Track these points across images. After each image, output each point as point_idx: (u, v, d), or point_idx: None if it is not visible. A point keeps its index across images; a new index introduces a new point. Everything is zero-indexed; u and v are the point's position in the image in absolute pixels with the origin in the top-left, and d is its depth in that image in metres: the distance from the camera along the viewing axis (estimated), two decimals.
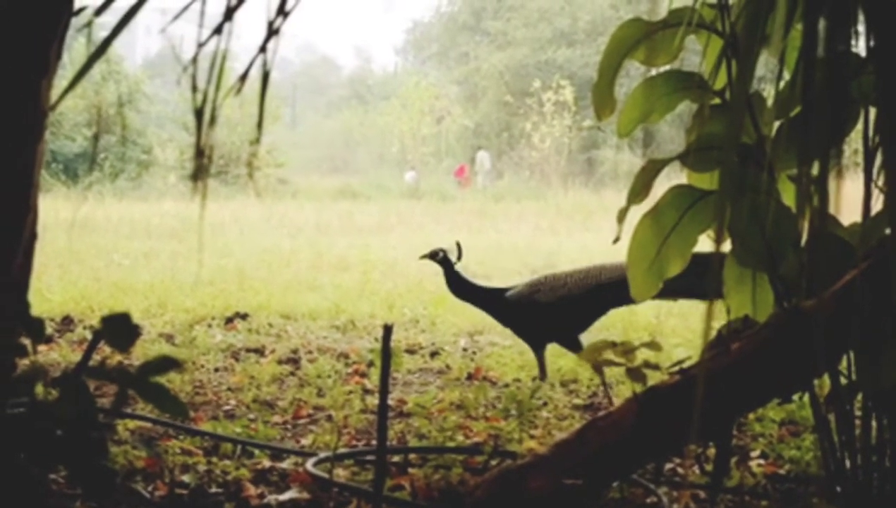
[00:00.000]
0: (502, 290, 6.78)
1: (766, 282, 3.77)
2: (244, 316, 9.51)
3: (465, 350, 8.43)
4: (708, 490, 4.18)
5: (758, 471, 4.62)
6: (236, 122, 33.25)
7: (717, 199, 3.73)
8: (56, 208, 19.68)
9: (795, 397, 3.80)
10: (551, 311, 6.61)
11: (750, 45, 2.06)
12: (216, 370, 7.28)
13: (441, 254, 6.67)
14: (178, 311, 9.81)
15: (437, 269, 7.22)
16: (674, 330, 8.65)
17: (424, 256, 6.78)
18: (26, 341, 2.46)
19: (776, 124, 3.73)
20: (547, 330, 6.72)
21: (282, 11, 2.26)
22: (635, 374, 3.63)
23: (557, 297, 6.61)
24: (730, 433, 3.98)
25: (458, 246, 6.67)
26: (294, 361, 7.71)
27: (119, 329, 2.36)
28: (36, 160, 2.73)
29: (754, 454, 4.95)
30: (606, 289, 6.65)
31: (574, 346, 6.79)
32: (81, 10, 2.70)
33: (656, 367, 3.71)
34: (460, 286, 6.76)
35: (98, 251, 15.23)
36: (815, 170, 2.03)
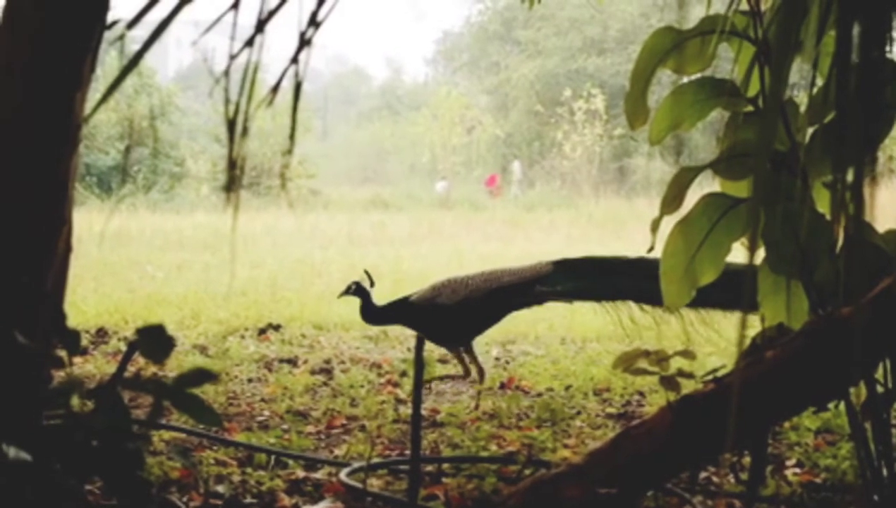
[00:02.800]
0: (405, 298, 6.78)
1: (800, 290, 3.74)
2: (277, 327, 9.54)
3: (497, 359, 8.43)
4: (743, 499, 4.16)
5: (794, 480, 4.60)
6: (268, 134, 33.32)
7: (750, 207, 3.71)
8: (90, 220, 19.76)
9: (831, 405, 3.78)
10: (453, 313, 6.62)
11: (783, 51, 2.05)
12: (249, 380, 7.30)
13: (354, 287, 6.68)
14: (211, 322, 9.84)
15: None
16: (707, 339, 8.59)
17: (342, 294, 6.77)
18: (62, 353, 2.48)
19: (809, 131, 3.70)
20: (449, 330, 6.70)
21: (313, 22, 2.27)
22: (669, 383, 3.61)
23: (459, 299, 6.62)
24: (765, 441, 3.96)
25: (368, 274, 6.68)
26: (327, 371, 7.72)
27: (154, 340, 2.37)
28: (70, 173, 2.74)
29: (790, 462, 4.92)
30: (507, 292, 6.66)
31: (467, 348, 6.79)
32: (114, 23, 2.71)
33: (690, 376, 3.69)
34: (374, 314, 6.75)
35: (131, 263, 15.30)
36: (849, 177, 2.02)
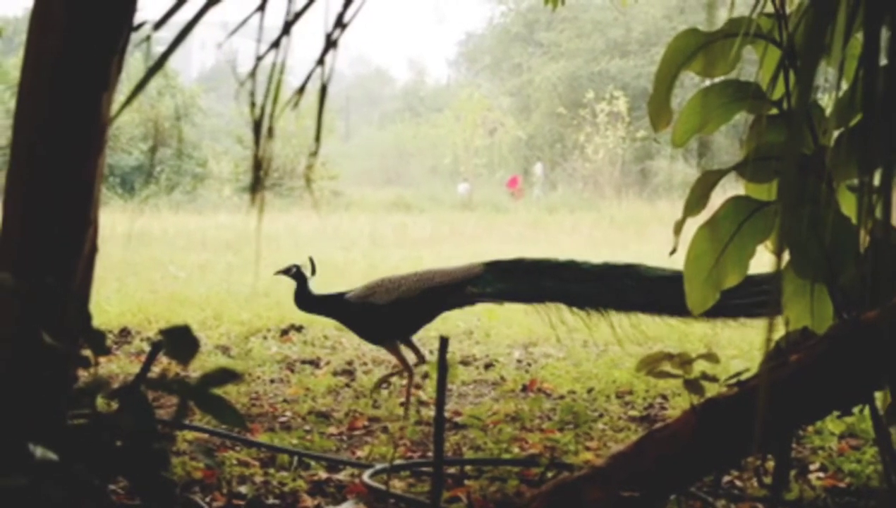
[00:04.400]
0: (341, 294, 6.79)
1: (825, 294, 3.73)
2: (299, 328, 9.55)
3: (519, 361, 8.42)
4: (767, 504, 4.14)
5: (817, 484, 4.58)
6: (291, 135, 33.37)
7: (775, 210, 3.70)
8: (113, 221, 19.82)
9: (855, 409, 3.76)
10: (386, 312, 6.64)
11: (811, 55, 2.04)
12: (272, 381, 7.32)
13: (294, 270, 6.69)
14: (233, 323, 9.86)
15: None
16: (730, 342, 8.58)
17: (279, 272, 6.78)
18: (88, 353, 2.48)
19: (835, 134, 3.69)
20: (382, 329, 6.72)
21: (340, 23, 2.27)
22: (693, 386, 3.60)
23: (392, 299, 6.64)
24: (789, 445, 3.95)
25: (311, 261, 6.69)
26: (349, 373, 7.73)
27: (179, 341, 2.38)
28: (96, 174, 2.75)
29: (814, 467, 4.90)
30: (439, 293, 6.69)
31: (394, 346, 6.80)
32: (141, 24, 2.72)
33: (714, 379, 3.68)
34: (307, 300, 6.76)
35: (154, 263, 15.34)
36: (876, 180, 2.01)
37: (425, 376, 7.46)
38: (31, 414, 2.62)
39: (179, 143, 33.98)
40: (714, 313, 6.03)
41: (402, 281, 6.72)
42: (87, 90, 2.67)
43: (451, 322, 10.21)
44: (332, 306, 6.76)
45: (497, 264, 6.67)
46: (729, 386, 3.50)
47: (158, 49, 2.41)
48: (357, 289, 6.77)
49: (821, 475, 4.77)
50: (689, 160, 37.00)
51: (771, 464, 3.93)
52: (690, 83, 22.76)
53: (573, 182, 38.14)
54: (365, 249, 18.42)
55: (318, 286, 6.73)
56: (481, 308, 10.54)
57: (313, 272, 6.68)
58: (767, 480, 4.12)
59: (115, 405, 2.49)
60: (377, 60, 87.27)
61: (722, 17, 4.02)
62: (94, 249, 2.82)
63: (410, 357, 6.68)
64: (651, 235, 20.77)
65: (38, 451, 2.27)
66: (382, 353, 8.64)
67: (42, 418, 2.59)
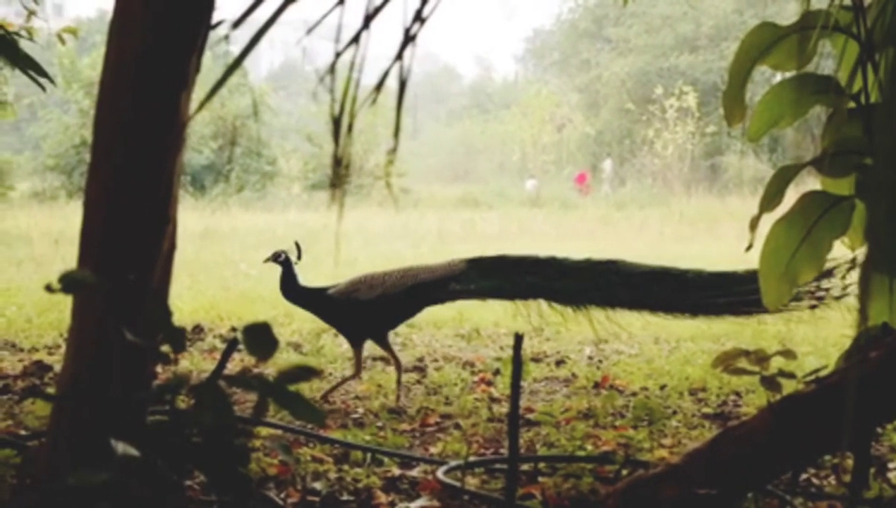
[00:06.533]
0: (324, 289, 6.77)
1: None
2: None
3: (590, 358, 8.39)
4: (845, 502, 4.10)
5: None
6: (359, 132, 33.48)
7: (851, 205, 3.66)
8: (184, 219, 19.89)
9: None
10: (370, 308, 6.62)
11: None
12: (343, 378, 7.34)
13: (283, 256, 6.69)
14: (304, 320, 9.89)
15: None
16: (804, 338, 8.50)
17: (268, 259, 6.79)
18: (167, 349, 2.50)
19: None
20: (365, 325, 6.70)
21: (418, 18, 2.27)
22: (770, 383, 3.57)
23: (376, 295, 6.62)
24: (868, 443, 3.90)
25: (297, 246, 6.69)
26: (420, 369, 7.74)
27: (259, 338, 2.39)
28: (175, 172, 2.78)
29: (893, 465, 4.84)
30: (422, 289, 6.71)
31: (382, 341, 6.84)
32: (218, 23, 2.74)
33: (791, 376, 3.64)
34: (293, 290, 6.76)
35: (225, 261, 15.46)
36: None
37: (497, 372, 7.46)
38: (113, 410, 2.65)
39: (249, 142, 34.23)
40: (696, 311, 6.15)
41: (386, 277, 6.76)
42: (168, 89, 2.70)
43: (521, 320, 10.20)
44: (314, 300, 6.79)
45: (479, 261, 6.72)
46: (807, 383, 3.47)
47: (227, 48, 2.42)
48: (340, 285, 6.80)
49: None
50: (759, 155, 36.70)
51: (849, 462, 3.89)
52: (761, 78, 22.55)
53: (642, 178, 37.94)
54: (433, 246, 18.44)
55: None
56: None
57: (299, 257, 6.72)
58: (846, 478, 4.07)
59: (190, 401, 2.50)
60: (445, 57, 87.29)
61: (792, 10, 3.98)
62: (172, 247, 2.86)
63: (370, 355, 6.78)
64: (722, 231, 20.62)
65: (121, 447, 2.29)
66: (454, 350, 8.67)
67: (124, 414, 2.62)
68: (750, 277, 5.98)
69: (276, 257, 6.72)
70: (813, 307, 5.88)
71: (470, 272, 6.64)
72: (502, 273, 6.64)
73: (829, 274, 5.63)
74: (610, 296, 6.40)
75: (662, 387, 6.99)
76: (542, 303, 6.50)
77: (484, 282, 6.63)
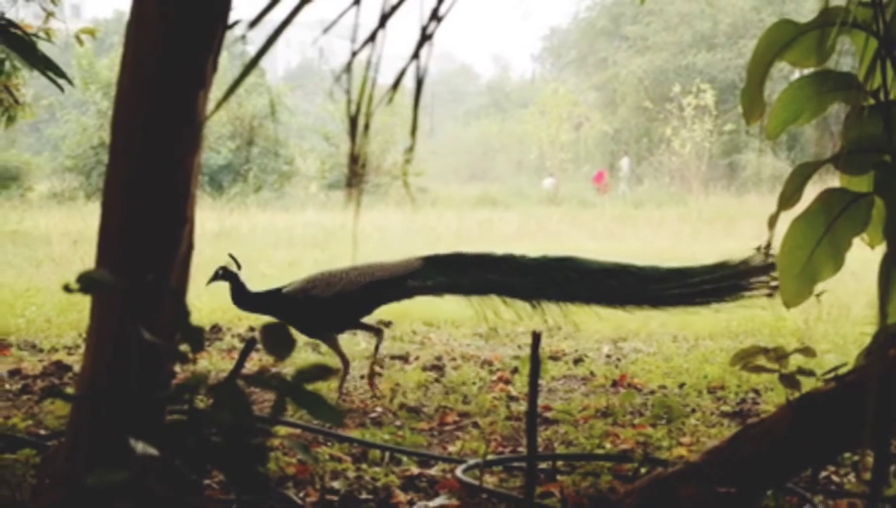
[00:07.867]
0: (278, 289, 6.78)
1: None
2: (388, 324, 9.57)
3: (608, 356, 8.39)
4: (866, 500, 4.08)
5: None
6: (375, 131, 33.48)
7: (871, 202, 3.64)
8: (202, 219, 19.92)
9: None
10: (327, 305, 6.63)
11: None
12: (361, 377, 7.35)
13: (221, 272, 6.69)
14: None
15: None
16: (824, 336, 8.47)
17: (211, 280, 6.78)
18: (185, 349, 2.51)
19: None
20: (322, 322, 6.70)
21: (435, 16, 2.27)
22: (789, 381, 3.56)
23: (334, 293, 6.63)
24: (888, 440, 3.88)
25: (233, 257, 6.71)
26: (438, 368, 7.74)
27: (277, 338, 2.39)
28: (193, 172, 2.78)
29: None
30: (379, 286, 6.75)
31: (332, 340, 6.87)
32: (235, 23, 2.75)
33: (810, 374, 3.63)
34: (244, 298, 6.76)
35: (243, 260, 15.39)
36: None
37: (514, 371, 7.46)
38: (132, 409, 2.65)
39: (267, 142, 34.26)
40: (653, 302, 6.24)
41: (343, 274, 6.79)
42: (185, 89, 2.70)
43: (537, 318, 10.19)
44: (271, 302, 6.80)
45: (435, 258, 6.75)
46: (826, 381, 3.45)
47: (244, 48, 2.43)
48: (295, 283, 6.83)
49: None
50: (777, 153, 36.61)
51: (869, 460, 3.87)
52: (779, 75, 22.48)
53: (660, 176, 37.89)
54: (451, 245, 18.34)
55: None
56: None
57: (238, 267, 6.74)
58: (866, 476, 4.06)
59: (208, 400, 2.51)
60: (462, 57, 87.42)
61: (809, 7, 3.97)
62: (190, 246, 2.86)
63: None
64: (740, 230, 20.55)
65: (139, 446, 2.30)
66: (471, 349, 8.67)
67: (143, 413, 2.62)
68: (701, 271, 6.22)
69: (217, 275, 6.75)
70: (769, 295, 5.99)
71: (426, 269, 6.68)
72: (458, 270, 6.68)
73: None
74: (566, 292, 6.46)
75: (681, 385, 6.98)
76: (497, 299, 6.56)
77: (440, 279, 6.67)
